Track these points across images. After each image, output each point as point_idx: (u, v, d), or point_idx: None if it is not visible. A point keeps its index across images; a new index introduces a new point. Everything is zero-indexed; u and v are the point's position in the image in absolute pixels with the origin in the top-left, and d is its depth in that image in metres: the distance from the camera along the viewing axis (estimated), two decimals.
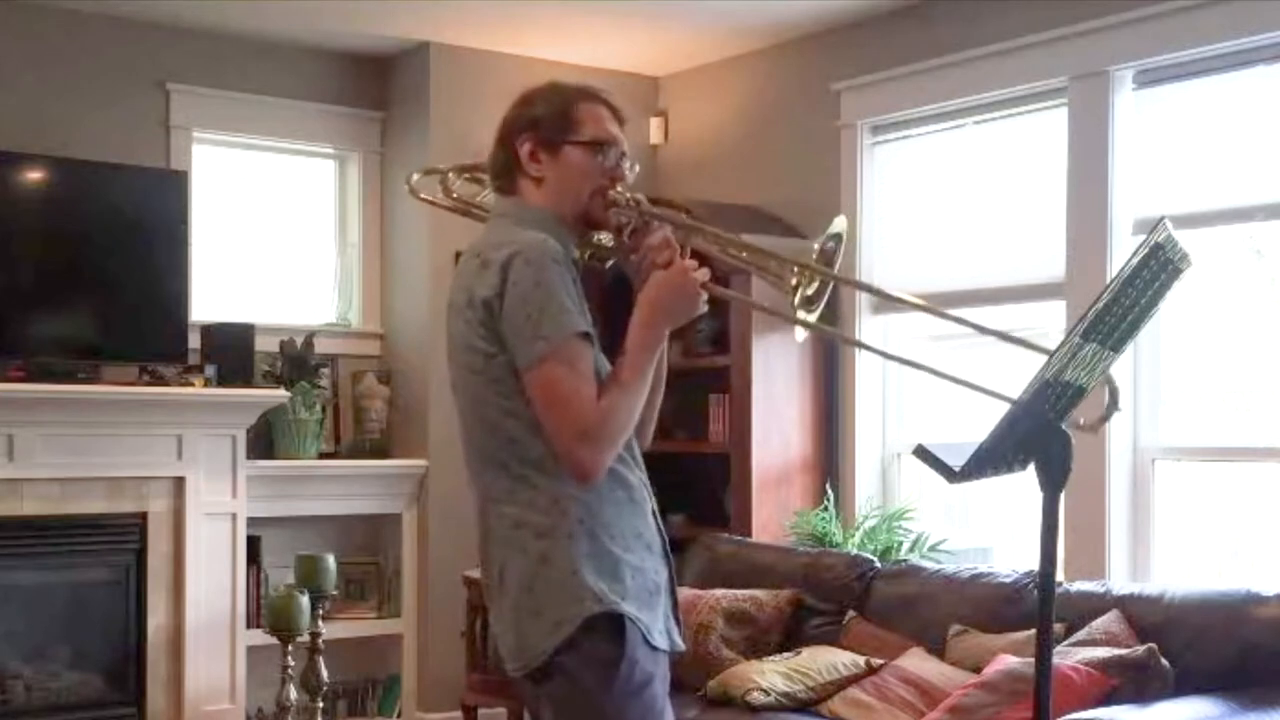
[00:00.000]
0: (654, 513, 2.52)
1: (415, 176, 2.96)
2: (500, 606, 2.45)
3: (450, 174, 2.84)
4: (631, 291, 2.57)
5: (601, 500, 2.40)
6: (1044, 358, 2.03)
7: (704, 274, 2.48)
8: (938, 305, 5.44)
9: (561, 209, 2.49)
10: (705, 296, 2.49)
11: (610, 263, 2.64)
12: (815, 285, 2.46)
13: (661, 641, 2.43)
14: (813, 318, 2.47)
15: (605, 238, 2.57)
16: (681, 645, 2.51)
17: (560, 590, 2.36)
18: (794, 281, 2.44)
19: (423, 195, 2.89)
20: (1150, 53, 4.75)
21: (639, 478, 2.50)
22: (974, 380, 2.40)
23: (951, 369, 2.53)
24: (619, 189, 2.51)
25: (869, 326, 5.60)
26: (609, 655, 2.35)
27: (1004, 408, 2.08)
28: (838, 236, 2.51)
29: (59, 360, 5.27)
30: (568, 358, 2.33)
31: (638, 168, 2.62)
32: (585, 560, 2.36)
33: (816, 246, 2.47)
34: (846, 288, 5.58)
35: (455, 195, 2.83)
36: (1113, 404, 2.39)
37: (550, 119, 2.49)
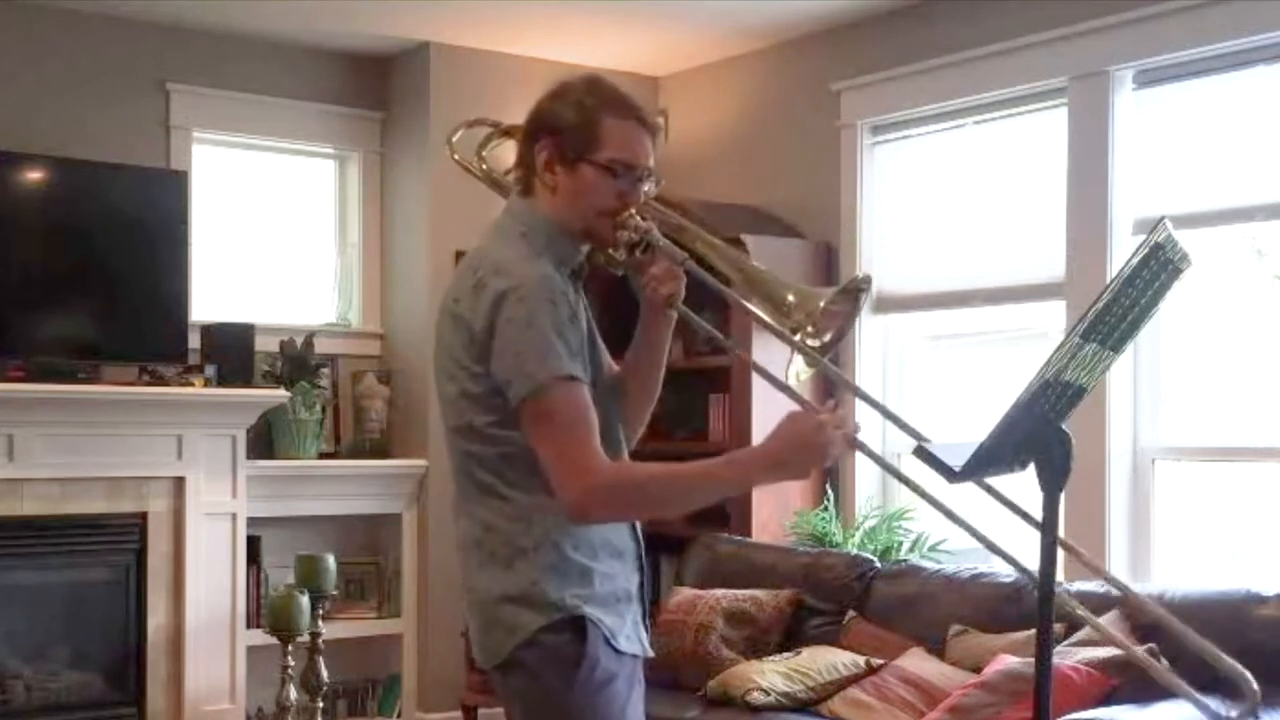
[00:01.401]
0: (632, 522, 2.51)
1: (458, 133, 2.85)
2: (469, 602, 2.48)
3: (493, 135, 2.77)
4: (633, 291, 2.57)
5: None
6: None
7: (847, 427, 2.29)
8: (938, 305, 5.47)
9: (567, 221, 2.46)
10: (837, 451, 2.29)
11: (621, 274, 2.61)
12: (819, 341, 2.38)
13: (627, 646, 2.43)
14: (809, 374, 2.40)
15: (618, 252, 2.52)
16: (650, 651, 2.51)
17: (520, 599, 2.37)
18: (796, 336, 2.37)
19: (456, 157, 2.81)
20: (1150, 53, 4.74)
21: None
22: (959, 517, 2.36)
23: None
24: (631, 213, 2.45)
25: (870, 327, 5.60)
26: (570, 654, 2.36)
27: (1004, 408, 2.08)
28: (867, 279, 2.47)
29: (59, 360, 5.27)
30: (550, 405, 2.29)
31: (663, 182, 2.57)
32: (547, 571, 2.37)
33: (830, 296, 2.39)
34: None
35: (486, 166, 2.78)
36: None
37: (573, 131, 2.42)
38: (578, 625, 2.36)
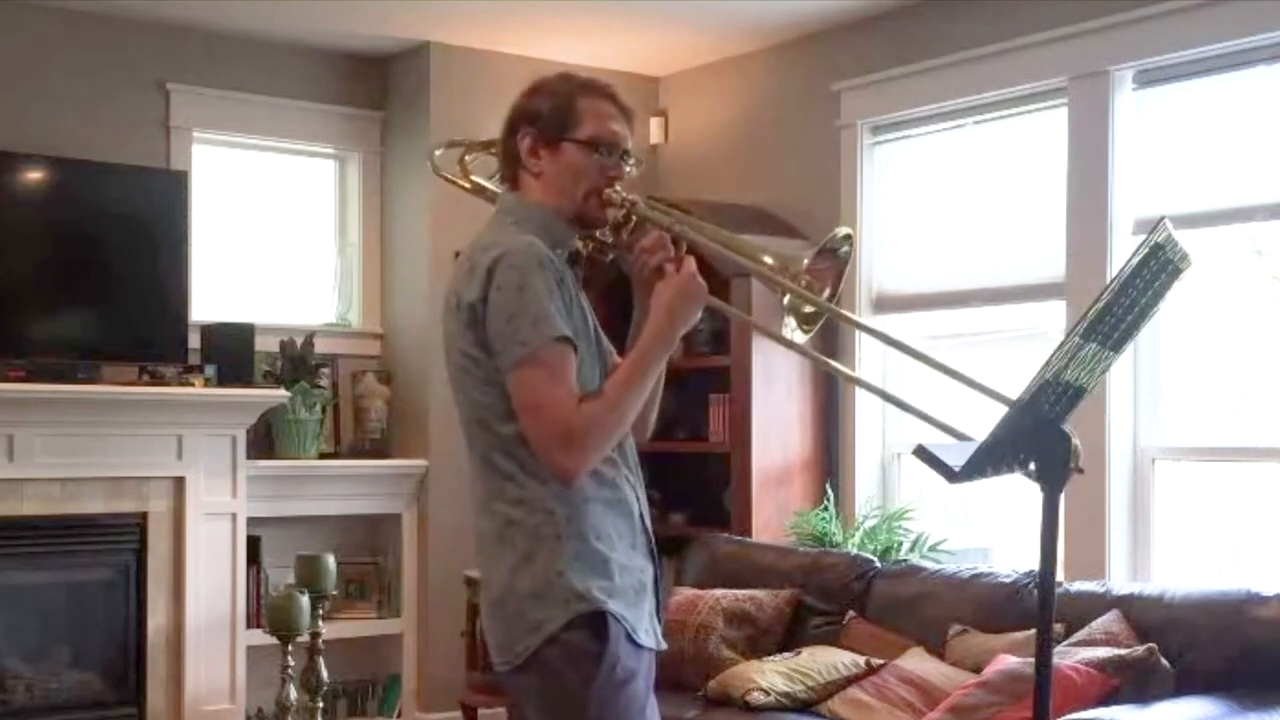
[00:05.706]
0: (641, 514, 2.52)
1: (438, 151, 2.91)
2: (488, 601, 2.48)
3: (470, 150, 2.82)
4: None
5: (586, 501, 2.41)
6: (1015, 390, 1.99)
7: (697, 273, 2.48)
8: (938, 305, 5.48)
9: (559, 205, 2.51)
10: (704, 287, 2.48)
11: (611, 257, 2.64)
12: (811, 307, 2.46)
13: (647, 640, 2.45)
14: (805, 338, 2.47)
15: (605, 233, 2.57)
16: (663, 645, 2.52)
17: (545, 591, 2.37)
18: (786, 300, 2.44)
19: (444, 174, 2.86)
20: (1150, 53, 4.74)
21: (627, 478, 2.50)
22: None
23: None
24: (615, 189, 2.51)
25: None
26: (591, 651, 2.36)
27: (1004, 407, 2.08)
28: (847, 238, 2.50)
29: (59, 360, 5.27)
30: (546, 363, 2.34)
31: (642, 164, 2.62)
32: (571, 560, 2.38)
33: (811, 255, 2.44)
34: (848, 285, 5.59)
35: (473, 177, 2.82)
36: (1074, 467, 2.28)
37: (551, 115, 2.50)
38: (598, 622, 2.37)
